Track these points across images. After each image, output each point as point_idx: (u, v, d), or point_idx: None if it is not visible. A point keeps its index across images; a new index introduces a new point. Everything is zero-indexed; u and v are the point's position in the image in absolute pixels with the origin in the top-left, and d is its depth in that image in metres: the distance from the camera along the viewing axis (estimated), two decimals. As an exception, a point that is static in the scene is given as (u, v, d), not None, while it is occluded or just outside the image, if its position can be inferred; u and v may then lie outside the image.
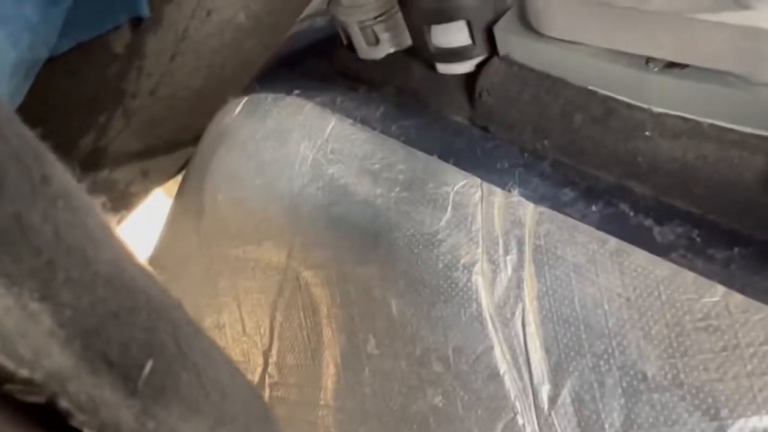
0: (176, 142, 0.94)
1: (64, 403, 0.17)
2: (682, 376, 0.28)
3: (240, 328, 0.50)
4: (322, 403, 0.43)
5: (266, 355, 0.48)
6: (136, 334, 0.20)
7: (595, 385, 0.30)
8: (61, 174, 0.19)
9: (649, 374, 0.29)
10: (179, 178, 1.02)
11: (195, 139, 0.88)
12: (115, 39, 0.76)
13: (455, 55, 0.42)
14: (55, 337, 0.17)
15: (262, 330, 0.48)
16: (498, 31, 0.39)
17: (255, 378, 0.49)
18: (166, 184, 1.02)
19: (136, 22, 0.75)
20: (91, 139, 0.85)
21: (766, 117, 0.30)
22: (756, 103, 0.30)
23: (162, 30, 0.79)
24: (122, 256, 0.20)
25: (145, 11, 0.72)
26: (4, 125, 0.17)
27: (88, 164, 0.87)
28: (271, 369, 0.47)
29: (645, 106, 0.34)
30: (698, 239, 0.31)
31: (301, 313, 0.44)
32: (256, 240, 0.48)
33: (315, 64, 0.55)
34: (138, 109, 0.86)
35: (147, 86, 0.83)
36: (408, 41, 0.47)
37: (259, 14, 0.85)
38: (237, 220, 0.50)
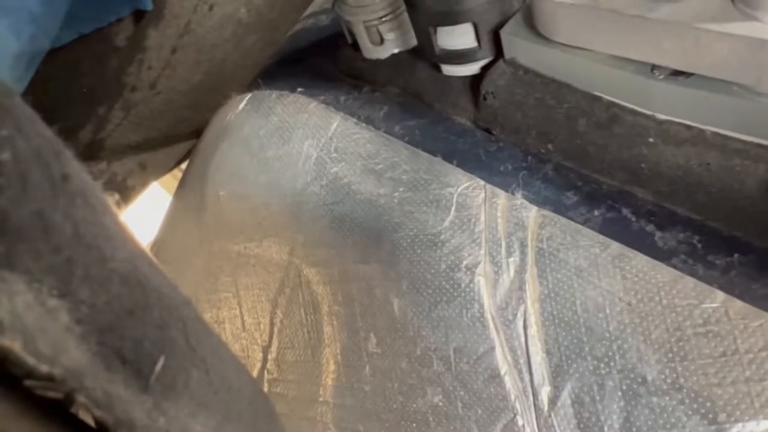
0: (175, 136, 0.94)
1: (81, 399, 0.17)
2: (681, 380, 0.29)
3: (239, 324, 0.50)
4: (321, 399, 0.43)
5: (266, 351, 0.48)
6: (148, 331, 0.20)
7: (595, 387, 0.31)
8: (79, 172, 0.19)
9: (649, 378, 0.29)
10: (176, 171, 1.02)
11: (193, 132, 0.88)
12: (117, 31, 0.76)
13: (461, 57, 0.42)
14: (71, 334, 0.17)
15: (261, 326, 0.48)
16: (504, 34, 0.39)
17: (254, 374, 0.49)
18: (163, 178, 1.02)
19: (139, 15, 0.75)
20: (90, 131, 0.85)
21: (769, 126, 0.30)
22: (759, 112, 0.30)
23: (164, 23, 0.79)
24: (136, 254, 0.21)
25: (147, 4, 0.72)
26: (25, 124, 0.17)
27: (87, 156, 0.87)
28: (270, 365, 0.48)
29: (649, 112, 0.34)
30: (699, 245, 0.32)
31: (302, 310, 0.45)
32: (258, 237, 0.48)
33: (319, 62, 0.55)
34: (137, 101, 0.86)
35: (147, 79, 0.83)
36: (413, 42, 0.48)
37: (261, 10, 0.85)
38: (239, 217, 0.50)
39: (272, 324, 0.47)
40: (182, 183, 0.61)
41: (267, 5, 0.86)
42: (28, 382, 0.16)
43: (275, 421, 0.29)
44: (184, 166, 0.85)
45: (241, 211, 0.50)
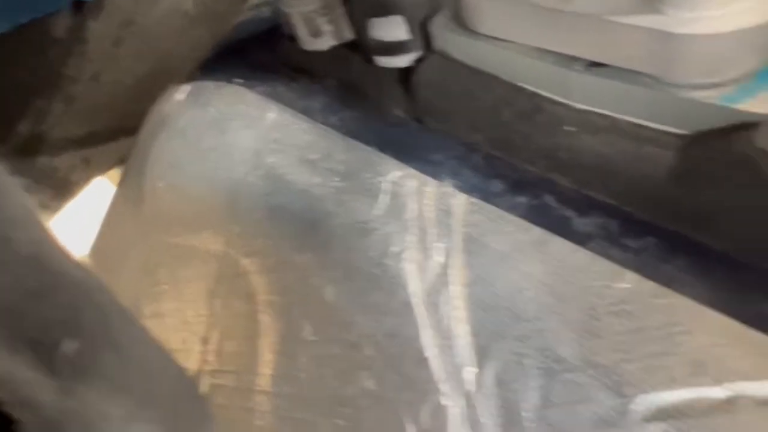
0: (119, 130, 0.92)
1: None
2: (594, 357, 0.30)
3: (180, 316, 0.50)
4: (258, 389, 0.43)
5: (205, 342, 0.48)
6: (56, 313, 0.20)
7: (516, 367, 0.32)
8: None
9: (564, 355, 0.31)
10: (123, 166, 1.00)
11: (139, 126, 0.87)
12: (56, 22, 0.74)
13: (393, 49, 0.43)
14: None
15: (200, 318, 0.48)
16: (432, 27, 0.40)
17: (194, 365, 0.49)
18: (109, 173, 1.00)
19: (78, 6, 0.74)
20: (30, 124, 0.83)
21: (676, 115, 0.32)
22: (667, 102, 0.32)
23: (105, 15, 0.77)
24: (44, 238, 0.21)
25: (86, -6, 0.70)
26: None
27: (27, 150, 0.84)
28: (209, 356, 0.48)
29: (569, 102, 0.35)
30: (614, 229, 0.33)
31: (240, 301, 0.45)
32: (195, 228, 0.48)
33: (258, 53, 0.55)
34: (79, 94, 0.84)
35: (89, 71, 0.81)
36: (350, 34, 0.48)
37: (207, 2, 0.84)
38: (177, 208, 0.50)
39: (211, 315, 0.47)
40: (123, 176, 0.60)
41: (214, -3, 0.85)
42: None
43: (200, 405, 0.29)
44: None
45: (178, 203, 0.49)
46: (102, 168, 0.96)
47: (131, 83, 0.87)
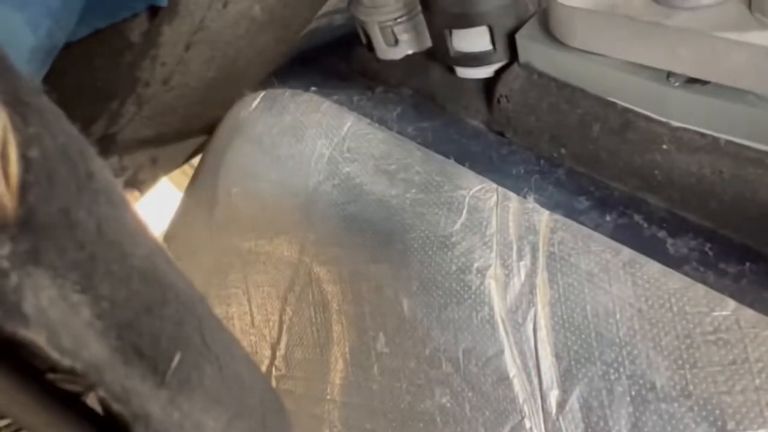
0: (186, 131, 0.95)
1: (101, 393, 0.17)
2: (690, 387, 0.29)
3: (249, 320, 0.51)
4: (328, 397, 0.43)
5: (274, 348, 0.48)
6: (165, 327, 0.20)
7: (604, 392, 0.31)
8: (102, 169, 0.19)
9: (658, 384, 0.29)
10: (186, 167, 1.02)
11: (204, 128, 0.89)
12: (132, 27, 0.76)
13: (475, 59, 0.42)
14: (92, 329, 0.17)
15: (270, 323, 0.48)
16: (520, 38, 0.39)
17: (263, 370, 0.49)
18: (172, 174, 1.02)
19: (154, 11, 0.76)
20: (103, 125, 0.86)
21: (784, 136, 0.30)
22: (774, 122, 0.30)
23: (178, 20, 0.79)
24: (155, 250, 0.21)
25: (162, 1, 0.72)
26: (52, 121, 0.17)
27: (99, 150, 0.87)
28: (278, 362, 0.48)
29: (664, 119, 0.34)
30: (711, 253, 0.32)
31: (312, 309, 0.45)
32: (269, 234, 0.48)
33: (333, 61, 0.55)
34: (150, 97, 0.86)
35: (160, 75, 0.84)
36: (428, 43, 0.48)
37: (274, 8, 0.85)
38: (250, 214, 0.50)
39: (281, 321, 0.47)
40: (194, 179, 0.61)
41: (280, 3, 0.86)
42: (50, 376, 0.16)
43: (285, 416, 0.29)
44: (194, 161, 0.86)
45: (252, 209, 0.50)
46: (168, 167, 0.99)
47: (199, 87, 0.89)
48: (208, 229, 0.55)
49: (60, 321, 0.16)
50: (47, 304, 0.16)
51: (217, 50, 0.86)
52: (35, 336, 0.15)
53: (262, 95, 0.53)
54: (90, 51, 0.76)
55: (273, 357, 0.49)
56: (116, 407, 0.18)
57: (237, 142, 0.52)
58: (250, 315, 0.50)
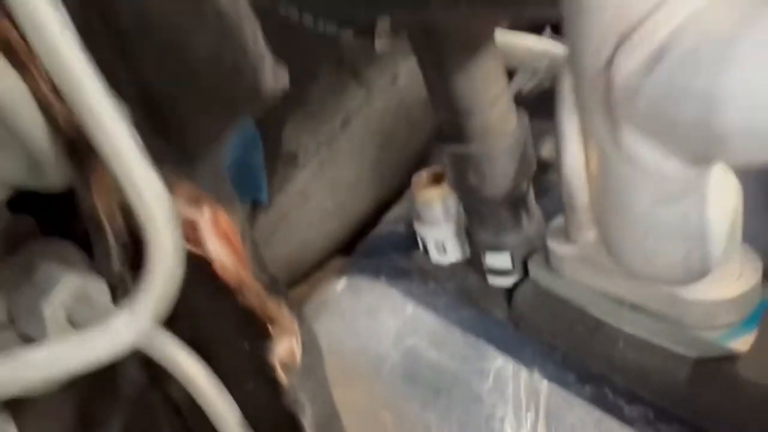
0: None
1: None
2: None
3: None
4: None
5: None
6: None
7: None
8: None
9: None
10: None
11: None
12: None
13: (501, 273, 0.63)
14: None
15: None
16: (530, 263, 0.60)
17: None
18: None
19: (254, 205, 0.99)
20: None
21: (688, 344, 0.49)
22: (683, 335, 0.49)
23: (270, 211, 1.03)
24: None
25: (264, 198, 0.96)
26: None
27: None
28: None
29: (622, 328, 0.53)
30: (651, 416, 0.49)
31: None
32: (343, 383, 0.66)
33: (397, 257, 0.76)
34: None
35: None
36: (468, 255, 0.69)
37: (344, 202, 1.09)
38: (330, 367, 0.69)
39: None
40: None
41: (349, 199, 1.10)
42: None
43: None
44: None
45: (331, 363, 0.68)
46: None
47: (277, 264, 1.11)
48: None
49: None
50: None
51: (293, 235, 1.08)
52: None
53: (344, 281, 0.74)
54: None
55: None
56: None
57: (324, 317, 0.72)
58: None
